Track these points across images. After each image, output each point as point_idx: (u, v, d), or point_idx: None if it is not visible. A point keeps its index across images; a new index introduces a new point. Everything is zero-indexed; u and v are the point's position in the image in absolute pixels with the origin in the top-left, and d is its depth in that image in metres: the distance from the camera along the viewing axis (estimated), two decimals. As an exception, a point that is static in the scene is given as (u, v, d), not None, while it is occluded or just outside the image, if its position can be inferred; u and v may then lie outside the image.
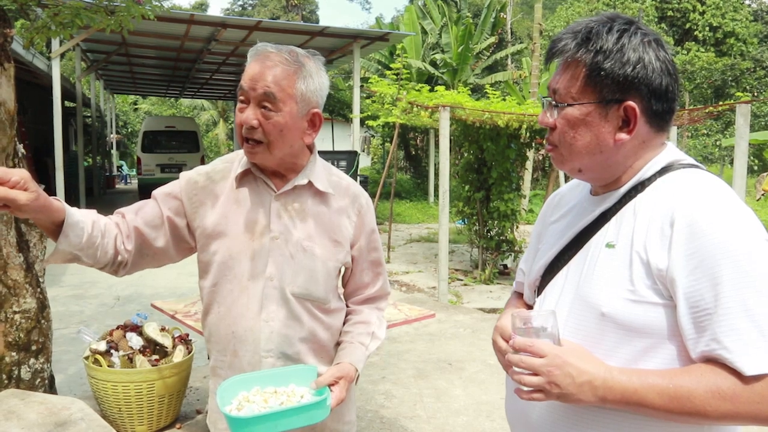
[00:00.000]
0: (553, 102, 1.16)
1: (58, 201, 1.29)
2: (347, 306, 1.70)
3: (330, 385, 1.44)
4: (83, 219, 1.35)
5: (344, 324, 1.67)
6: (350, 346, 1.59)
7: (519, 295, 1.43)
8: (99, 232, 1.39)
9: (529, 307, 1.33)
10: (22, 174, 1.17)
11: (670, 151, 1.16)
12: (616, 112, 1.10)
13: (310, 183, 1.55)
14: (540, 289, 1.26)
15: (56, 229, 1.29)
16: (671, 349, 1.04)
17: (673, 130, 8.82)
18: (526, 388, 1.07)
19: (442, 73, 18.37)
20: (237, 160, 1.59)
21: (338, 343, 1.64)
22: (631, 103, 1.09)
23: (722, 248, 0.98)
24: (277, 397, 1.38)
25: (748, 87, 19.53)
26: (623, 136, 1.10)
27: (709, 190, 1.06)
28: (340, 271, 1.63)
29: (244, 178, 1.55)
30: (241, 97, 1.44)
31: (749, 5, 20.80)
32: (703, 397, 0.97)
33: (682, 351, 1.03)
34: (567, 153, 1.16)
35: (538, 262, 1.29)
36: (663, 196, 1.08)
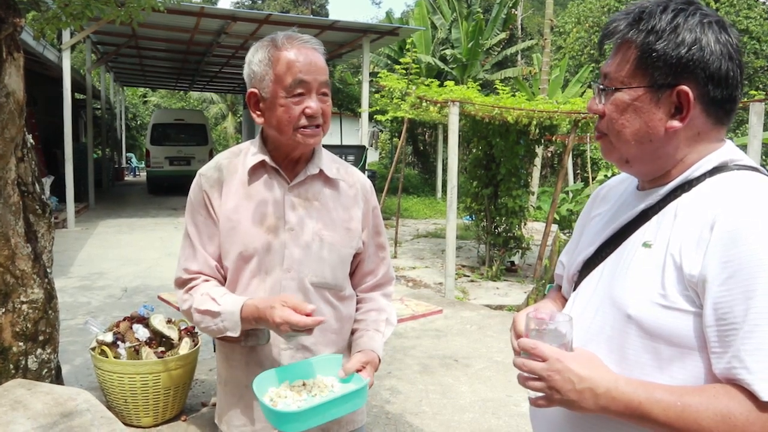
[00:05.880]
0: (602, 86, 1.09)
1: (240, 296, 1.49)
2: (356, 294, 1.70)
3: (357, 371, 1.44)
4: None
5: (356, 312, 1.67)
6: (368, 334, 1.59)
7: (559, 288, 1.37)
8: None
9: (566, 300, 1.28)
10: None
11: (727, 149, 1.07)
12: (669, 98, 1.02)
13: (321, 171, 1.56)
14: (577, 284, 1.21)
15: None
16: (700, 362, 0.97)
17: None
18: (533, 394, 1.03)
19: (452, 69, 18.29)
20: (244, 152, 1.58)
21: (352, 332, 1.64)
22: (684, 87, 1.01)
23: (762, 260, 0.90)
24: (308, 390, 1.38)
25: (761, 86, 19.30)
26: (675, 123, 1.02)
27: (760, 196, 0.97)
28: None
29: (255, 171, 1.55)
30: (301, 90, 1.44)
31: (764, 3, 20.53)
32: (712, 419, 0.90)
33: (711, 365, 0.96)
34: (615, 141, 1.09)
35: (578, 256, 1.24)
36: (708, 198, 1.01)
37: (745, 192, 0.99)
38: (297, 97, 1.45)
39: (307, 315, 1.32)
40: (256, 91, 1.50)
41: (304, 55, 1.45)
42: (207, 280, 1.55)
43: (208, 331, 1.49)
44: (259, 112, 1.51)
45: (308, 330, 1.33)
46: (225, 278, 1.58)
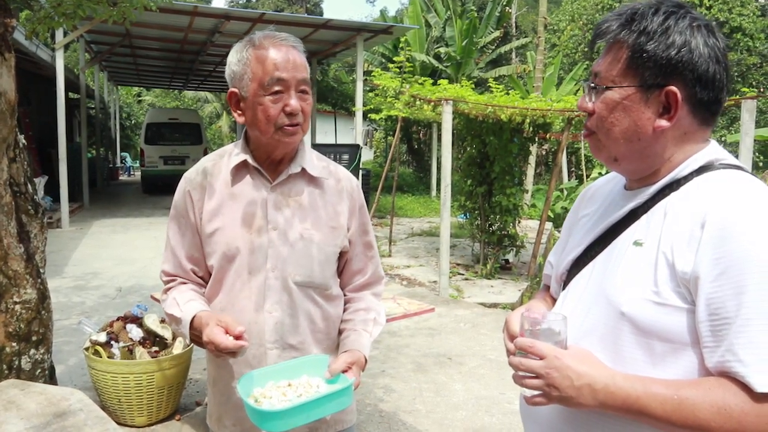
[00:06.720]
0: (593, 84, 1.11)
1: (202, 305, 1.52)
2: (345, 294, 1.70)
3: (343, 372, 1.44)
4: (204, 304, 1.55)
5: (344, 312, 1.67)
6: (354, 333, 1.59)
7: (547, 288, 1.39)
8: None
9: (555, 300, 1.29)
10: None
11: (712, 149, 1.10)
12: (657, 98, 1.05)
13: (303, 170, 1.56)
14: (566, 283, 1.23)
15: None
16: (693, 357, 0.99)
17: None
18: (528, 393, 1.04)
19: (446, 67, 18.30)
20: (228, 154, 1.59)
21: (340, 332, 1.64)
22: (672, 88, 1.03)
23: (753, 256, 0.92)
24: (294, 390, 1.38)
25: (754, 83, 19.33)
26: (663, 123, 1.05)
27: (747, 194, 1.00)
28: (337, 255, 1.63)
29: (238, 172, 1.55)
30: (278, 88, 1.44)
31: (757, 0, 20.57)
32: (709, 411, 0.92)
33: (704, 360, 0.98)
34: (604, 139, 1.11)
35: (566, 255, 1.26)
36: (697, 196, 1.03)
37: (733, 190, 1.01)
38: (275, 95, 1.45)
39: (237, 337, 1.33)
40: (236, 90, 1.50)
41: (281, 52, 1.45)
42: (184, 282, 1.58)
43: (178, 334, 1.52)
44: (239, 112, 1.52)
45: (231, 353, 1.34)
46: (205, 280, 1.59)
